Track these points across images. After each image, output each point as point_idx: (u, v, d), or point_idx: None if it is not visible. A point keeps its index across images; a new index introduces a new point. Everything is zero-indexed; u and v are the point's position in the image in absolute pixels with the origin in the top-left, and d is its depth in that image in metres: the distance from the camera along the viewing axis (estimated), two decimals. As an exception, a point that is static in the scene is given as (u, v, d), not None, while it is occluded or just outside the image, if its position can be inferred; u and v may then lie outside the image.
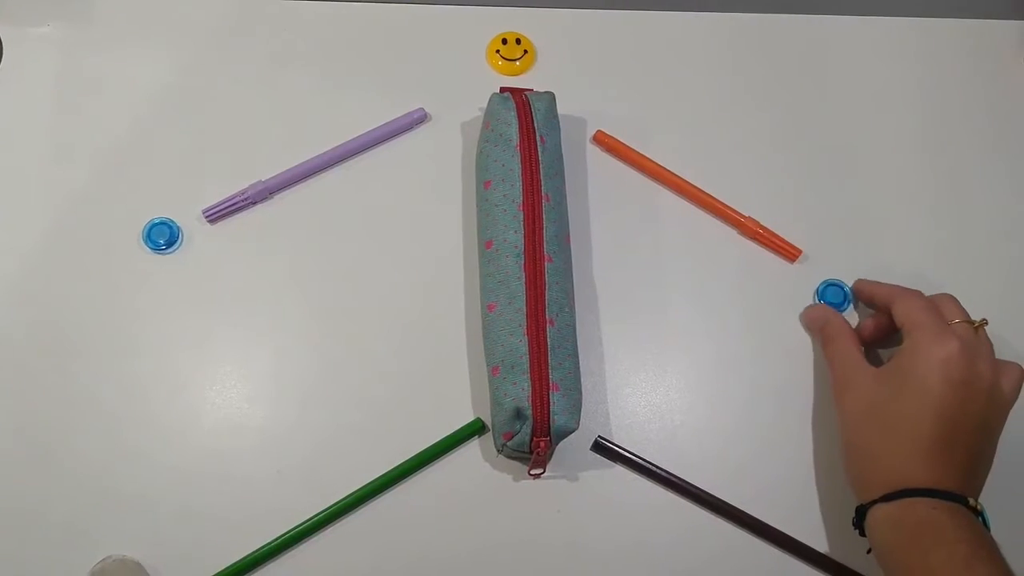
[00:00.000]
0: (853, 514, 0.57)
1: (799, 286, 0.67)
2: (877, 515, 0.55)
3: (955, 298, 0.60)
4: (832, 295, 0.66)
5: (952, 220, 0.70)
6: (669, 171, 0.68)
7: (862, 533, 0.57)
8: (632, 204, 0.68)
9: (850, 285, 0.67)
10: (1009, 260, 0.69)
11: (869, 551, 0.57)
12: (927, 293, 0.61)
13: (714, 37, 0.73)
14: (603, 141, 0.69)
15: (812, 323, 0.65)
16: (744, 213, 0.67)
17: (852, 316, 0.66)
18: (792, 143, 0.71)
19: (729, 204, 0.67)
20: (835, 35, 0.74)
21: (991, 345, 0.58)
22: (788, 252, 0.67)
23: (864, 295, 0.65)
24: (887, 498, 0.54)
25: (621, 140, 0.69)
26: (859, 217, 0.69)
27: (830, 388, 0.62)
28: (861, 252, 0.68)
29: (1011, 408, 0.57)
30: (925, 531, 0.52)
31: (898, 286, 0.63)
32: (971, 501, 0.53)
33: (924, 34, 0.75)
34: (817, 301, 0.66)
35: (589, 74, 0.71)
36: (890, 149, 0.71)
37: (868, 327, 0.64)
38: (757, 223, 0.67)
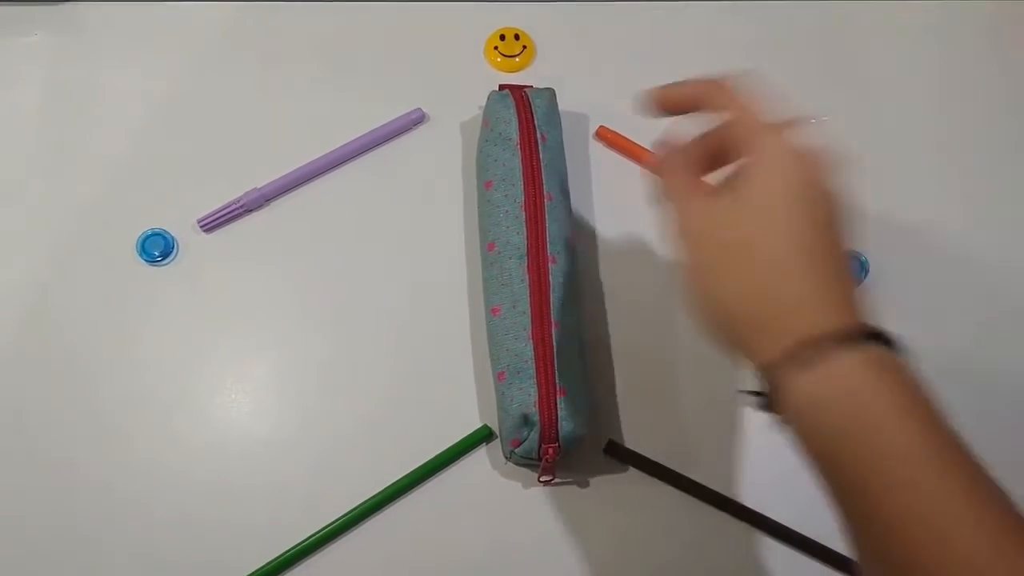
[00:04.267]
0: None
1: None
2: (794, 396, 0.41)
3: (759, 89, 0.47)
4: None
5: (972, 212, 0.68)
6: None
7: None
8: (637, 200, 0.66)
9: (864, 257, 0.64)
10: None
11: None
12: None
13: (718, 27, 0.71)
14: (606, 137, 0.67)
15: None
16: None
17: (868, 287, 0.64)
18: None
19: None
20: (841, 21, 0.72)
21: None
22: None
23: (668, 103, 0.50)
24: (795, 358, 0.41)
25: (624, 135, 0.67)
26: (868, 210, 0.67)
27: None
28: (873, 247, 0.66)
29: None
30: (857, 412, 0.40)
31: (706, 81, 0.48)
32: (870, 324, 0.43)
33: (939, 18, 0.73)
34: None
35: (590, 68, 0.69)
36: (906, 139, 0.69)
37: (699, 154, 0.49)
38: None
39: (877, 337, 0.43)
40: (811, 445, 0.42)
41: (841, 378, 0.41)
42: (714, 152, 0.48)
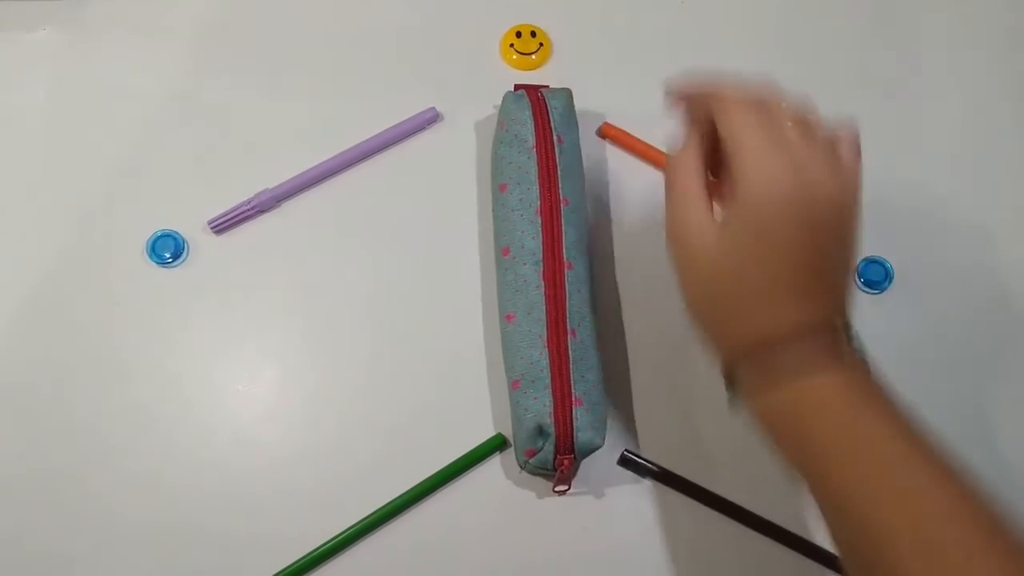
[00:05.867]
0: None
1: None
2: (752, 406, 0.47)
3: (779, 90, 0.48)
4: (872, 272, 0.63)
5: (1002, 216, 0.66)
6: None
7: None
8: (650, 202, 0.65)
9: (888, 260, 0.64)
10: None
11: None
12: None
13: (742, 23, 0.70)
14: (609, 133, 0.66)
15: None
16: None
17: (892, 296, 0.64)
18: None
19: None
20: (872, 22, 0.70)
21: (825, 138, 0.46)
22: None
23: (685, 105, 0.51)
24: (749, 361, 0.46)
25: (627, 131, 0.65)
26: (893, 216, 0.66)
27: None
28: (889, 237, 0.65)
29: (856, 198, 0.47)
30: (800, 424, 0.44)
31: (719, 89, 0.48)
32: (837, 320, 0.45)
33: (969, 25, 0.71)
34: (856, 279, 0.63)
35: (609, 66, 0.68)
36: (921, 137, 0.68)
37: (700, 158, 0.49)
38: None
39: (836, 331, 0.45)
40: (785, 451, 0.46)
41: (801, 391, 0.44)
42: (718, 157, 0.48)
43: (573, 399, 0.55)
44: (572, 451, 0.54)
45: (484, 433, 0.60)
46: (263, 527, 0.58)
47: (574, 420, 0.54)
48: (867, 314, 0.63)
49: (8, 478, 0.58)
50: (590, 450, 0.55)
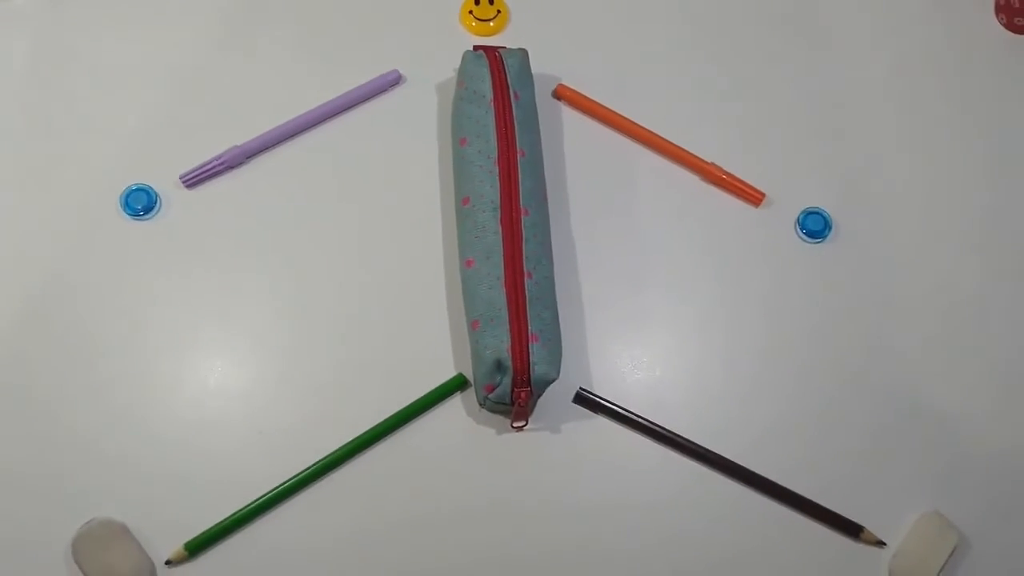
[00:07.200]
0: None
1: (765, 230, 0.67)
2: None
3: None
4: (812, 223, 0.67)
5: (933, 165, 0.70)
6: (632, 121, 0.68)
7: None
8: (603, 158, 0.69)
9: (827, 211, 0.67)
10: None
11: None
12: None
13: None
14: (564, 95, 0.69)
15: None
16: (707, 160, 0.68)
17: (832, 244, 0.67)
18: (757, 91, 0.71)
19: (694, 152, 0.68)
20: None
21: None
22: (752, 196, 0.67)
23: None
24: None
25: (585, 94, 0.69)
26: (831, 166, 0.70)
27: None
28: (828, 189, 0.69)
29: None
30: None
31: None
32: None
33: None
34: (798, 230, 0.67)
35: (563, 32, 0.71)
36: (856, 94, 0.71)
37: None
38: (720, 169, 0.67)
39: None
40: None
41: None
42: None
43: (530, 336, 0.57)
44: (529, 383, 0.57)
45: (445, 374, 0.62)
46: (228, 467, 0.60)
47: (531, 355, 0.57)
48: (809, 263, 0.67)
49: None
50: (546, 382, 0.58)
